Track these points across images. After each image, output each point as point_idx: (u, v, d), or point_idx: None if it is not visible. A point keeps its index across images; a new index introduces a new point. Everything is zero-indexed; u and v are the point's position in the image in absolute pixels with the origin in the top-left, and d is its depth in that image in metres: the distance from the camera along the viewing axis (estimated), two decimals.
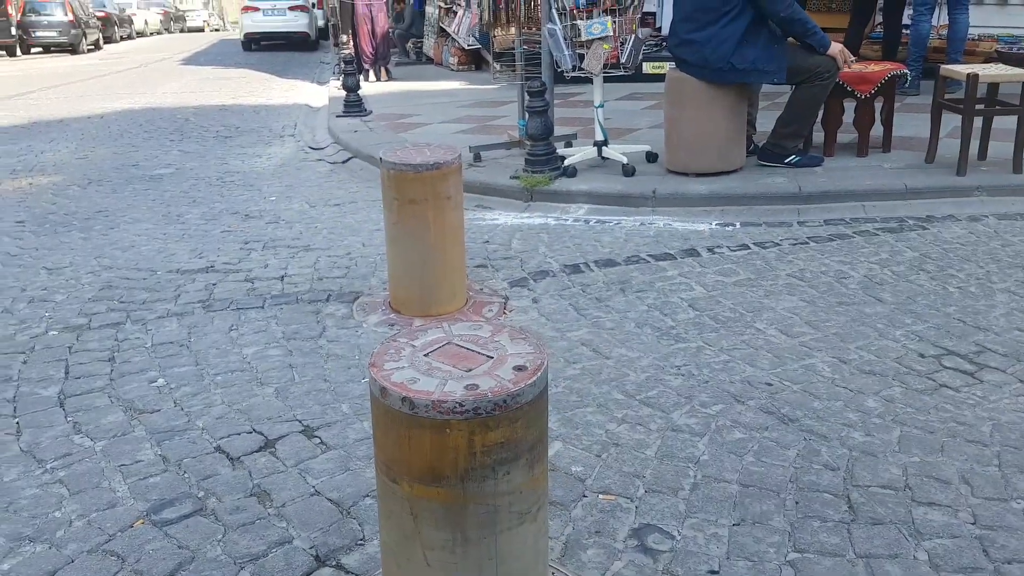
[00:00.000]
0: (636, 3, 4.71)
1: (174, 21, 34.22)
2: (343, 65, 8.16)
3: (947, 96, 4.59)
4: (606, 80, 4.86)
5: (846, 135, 5.02)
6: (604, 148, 4.95)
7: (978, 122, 4.50)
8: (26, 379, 2.69)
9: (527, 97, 4.77)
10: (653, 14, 8.79)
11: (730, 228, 4.07)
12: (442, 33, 11.69)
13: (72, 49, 19.66)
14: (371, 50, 10.38)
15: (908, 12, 6.80)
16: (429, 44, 12.55)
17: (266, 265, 3.77)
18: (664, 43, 6.79)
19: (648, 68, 7.75)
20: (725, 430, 2.25)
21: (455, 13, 10.66)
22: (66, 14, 19.62)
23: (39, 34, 19.65)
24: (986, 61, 6.52)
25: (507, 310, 3.17)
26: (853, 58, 4.67)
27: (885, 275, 3.36)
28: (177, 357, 2.83)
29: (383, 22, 10.47)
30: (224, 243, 4.13)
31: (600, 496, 1.99)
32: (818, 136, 4.97)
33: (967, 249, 3.61)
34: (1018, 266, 3.38)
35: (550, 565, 1.72)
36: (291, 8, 17.40)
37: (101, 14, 23.16)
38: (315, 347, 2.87)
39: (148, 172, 5.93)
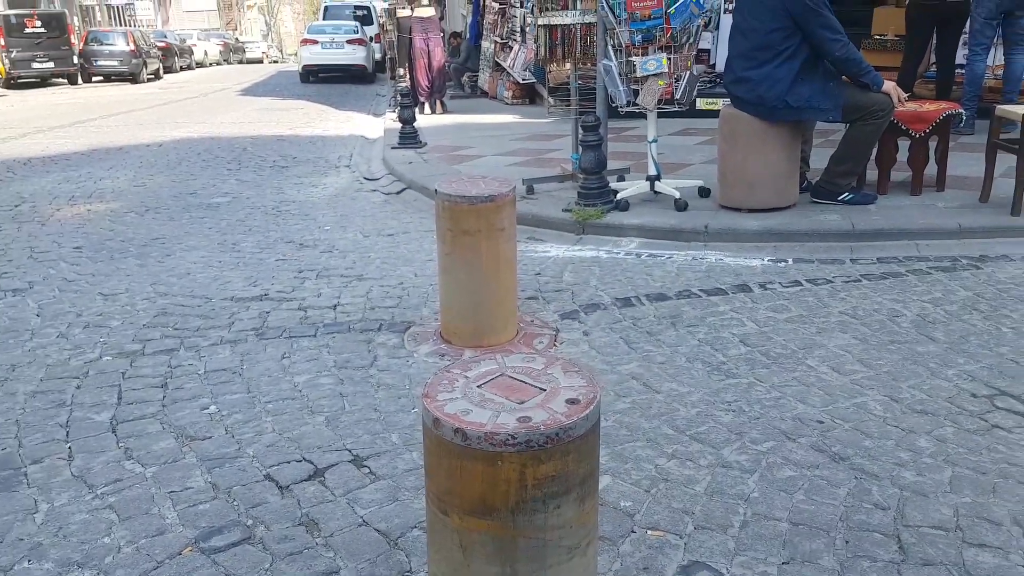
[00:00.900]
0: (692, 40, 4.74)
1: (233, 52, 35.43)
2: (399, 98, 8.37)
3: (1002, 136, 4.51)
4: (660, 116, 4.89)
5: (900, 173, 4.95)
6: (657, 183, 4.96)
7: None
8: (79, 404, 2.74)
9: (581, 131, 4.82)
10: (708, 51, 8.83)
11: (782, 264, 4.02)
12: (497, 67, 11.89)
13: (132, 78, 20.33)
14: (427, 83, 10.59)
15: (963, 51, 6.71)
16: (484, 78, 12.78)
17: (319, 294, 3.84)
18: (718, 79, 6.81)
19: (702, 104, 7.78)
20: (776, 467, 2.22)
21: (510, 48, 10.85)
22: (128, 44, 20.37)
23: (100, 63, 20.38)
24: None
25: (557, 342, 3.17)
26: (906, 96, 4.63)
27: (938, 314, 3.29)
28: (229, 384, 2.88)
29: (440, 56, 10.68)
30: (278, 272, 4.22)
31: (649, 532, 1.97)
32: (872, 174, 4.91)
33: (1021, 290, 3.53)
34: None
35: None
36: (349, 41, 17.88)
37: (162, 44, 24.09)
38: (366, 376, 2.91)
39: (205, 200, 6.10)
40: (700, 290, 3.69)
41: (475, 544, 1.38)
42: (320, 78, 18.30)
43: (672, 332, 3.21)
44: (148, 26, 33.57)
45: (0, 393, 2.83)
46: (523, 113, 10.18)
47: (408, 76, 10.85)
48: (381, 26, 19.80)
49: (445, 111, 10.80)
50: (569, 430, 1.33)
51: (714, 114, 5.01)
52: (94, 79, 20.69)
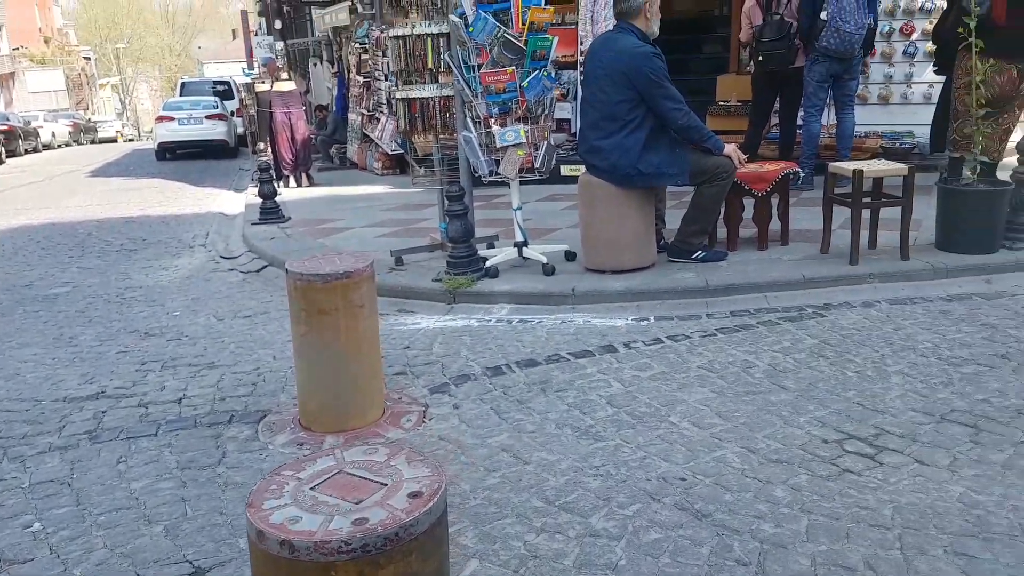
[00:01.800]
0: (547, 112, 4.88)
1: (84, 132, 33.57)
2: (259, 172, 8.14)
3: (837, 191, 4.84)
4: (524, 183, 4.97)
5: (747, 230, 5.23)
6: (524, 248, 5.01)
7: (866, 213, 4.76)
8: None
9: (447, 201, 4.82)
10: (569, 120, 9.15)
11: (645, 323, 4.11)
12: (365, 139, 11.84)
13: None
14: (291, 156, 10.43)
15: (801, 113, 7.27)
16: (353, 149, 12.69)
17: (163, 387, 3.57)
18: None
19: (566, 170, 8.02)
20: (642, 531, 2.21)
21: (378, 120, 10.85)
22: None
23: None
24: (872, 156, 7.00)
25: (426, 418, 3.06)
26: (746, 157, 4.92)
27: (788, 363, 3.43)
28: (56, 497, 2.59)
29: (303, 129, 10.56)
30: (119, 365, 3.91)
31: None
32: (722, 232, 5.15)
33: (862, 334, 3.73)
34: (910, 348, 3.50)
35: None
36: (208, 117, 17.33)
37: (4, 127, 22.58)
38: (213, 476, 2.68)
39: (42, 292, 5.64)
40: (569, 353, 3.69)
41: None
42: (179, 155, 17.65)
43: (542, 398, 3.18)
44: None
45: None
46: (393, 183, 10.15)
47: (270, 150, 10.63)
48: (241, 100, 19.43)
49: (312, 184, 10.62)
50: (410, 528, 1.23)
51: (577, 180, 5.14)
52: None
